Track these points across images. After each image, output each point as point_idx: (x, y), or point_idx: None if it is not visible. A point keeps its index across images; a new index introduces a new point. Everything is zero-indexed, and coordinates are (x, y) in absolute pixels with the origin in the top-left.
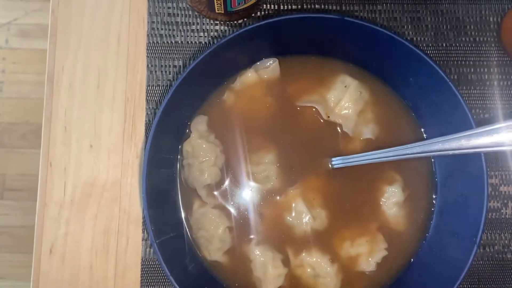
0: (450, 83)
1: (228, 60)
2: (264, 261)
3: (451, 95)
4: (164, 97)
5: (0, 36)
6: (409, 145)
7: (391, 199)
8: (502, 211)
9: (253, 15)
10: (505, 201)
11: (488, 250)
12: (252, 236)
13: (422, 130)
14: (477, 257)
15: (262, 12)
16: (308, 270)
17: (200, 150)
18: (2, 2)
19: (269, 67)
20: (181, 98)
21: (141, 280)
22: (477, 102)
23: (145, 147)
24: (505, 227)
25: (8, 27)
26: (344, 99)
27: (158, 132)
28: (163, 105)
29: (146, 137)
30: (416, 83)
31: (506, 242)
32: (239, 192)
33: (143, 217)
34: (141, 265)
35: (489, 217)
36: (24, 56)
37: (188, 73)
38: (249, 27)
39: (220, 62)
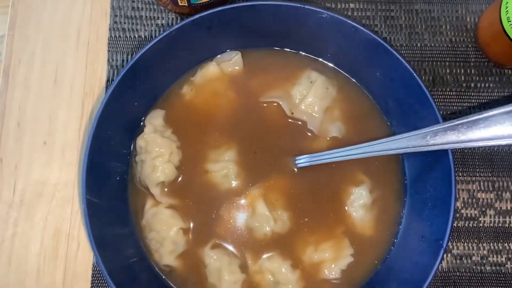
0: (416, 76)
1: (187, 51)
2: (219, 266)
3: (417, 89)
4: (107, 91)
5: None
6: (374, 142)
7: (358, 202)
8: (480, 219)
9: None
10: (483, 209)
11: (465, 261)
12: (208, 239)
13: (391, 128)
14: (454, 268)
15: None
16: (268, 276)
17: (154, 145)
18: None
19: (232, 60)
20: (130, 91)
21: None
22: (453, 103)
23: None
24: (483, 236)
25: (2, 41)
26: (309, 95)
27: (102, 124)
28: (105, 98)
29: None
30: (383, 78)
31: (485, 253)
32: (195, 192)
33: None
34: (92, 272)
35: (466, 225)
36: None
37: (134, 64)
38: (201, 14)
39: (175, 53)
